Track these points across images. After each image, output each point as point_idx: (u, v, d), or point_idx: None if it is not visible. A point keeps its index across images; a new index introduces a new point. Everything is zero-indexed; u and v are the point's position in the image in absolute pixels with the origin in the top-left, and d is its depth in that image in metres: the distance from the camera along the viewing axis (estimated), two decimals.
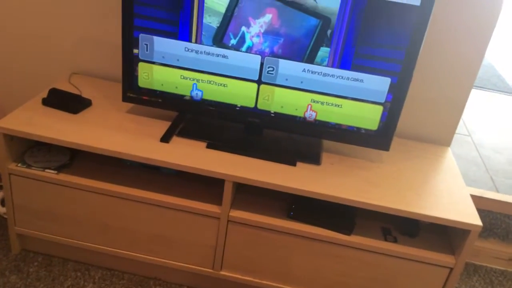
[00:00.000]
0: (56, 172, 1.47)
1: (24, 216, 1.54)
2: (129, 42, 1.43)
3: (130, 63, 1.46)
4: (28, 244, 1.65)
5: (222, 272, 1.51)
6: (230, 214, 1.41)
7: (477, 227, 1.29)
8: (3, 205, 1.77)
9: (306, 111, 1.42)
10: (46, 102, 1.55)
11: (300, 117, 1.44)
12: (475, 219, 1.31)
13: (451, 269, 1.38)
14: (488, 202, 1.79)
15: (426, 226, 1.47)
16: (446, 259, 1.37)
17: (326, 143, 1.58)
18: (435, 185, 1.45)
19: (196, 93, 1.46)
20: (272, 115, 1.46)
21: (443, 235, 1.46)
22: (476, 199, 1.79)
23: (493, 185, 2.08)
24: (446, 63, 1.58)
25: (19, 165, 1.47)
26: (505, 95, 3.39)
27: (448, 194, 1.41)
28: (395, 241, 1.40)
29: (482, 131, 2.61)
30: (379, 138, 1.44)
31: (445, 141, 1.70)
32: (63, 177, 1.46)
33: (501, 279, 1.84)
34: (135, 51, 1.44)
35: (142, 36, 1.41)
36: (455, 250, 1.38)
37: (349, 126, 1.44)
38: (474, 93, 2.96)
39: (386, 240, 1.40)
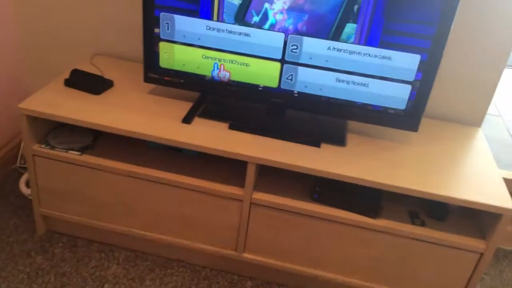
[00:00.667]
0: (79, 153, 1.47)
1: (49, 197, 1.56)
2: (149, 21, 1.41)
3: (151, 43, 1.44)
4: (53, 225, 1.67)
5: (245, 255, 1.50)
6: (253, 196, 1.38)
7: (510, 211, 1.24)
8: (28, 186, 1.79)
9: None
10: (68, 83, 1.54)
11: (321, 96, 1.40)
12: (507, 203, 1.25)
13: (481, 254, 1.33)
14: None
15: (455, 209, 1.42)
16: (476, 244, 1.32)
17: (352, 124, 1.53)
18: (465, 167, 1.39)
19: (218, 73, 1.43)
20: (296, 95, 1.42)
21: (473, 219, 1.41)
22: (509, 183, 1.72)
23: None
24: (478, 39, 1.51)
25: (42, 146, 1.48)
26: None
27: (479, 176, 1.36)
28: (422, 224, 1.36)
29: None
30: (407, 119, 1.38)
31: (476, 122, 1.63)
32: (87, 158, 1.46)
33: None
34: (156, 30, 1.41)
35: (163, 14, 1.38)
36: (486, 234, 1.33)
37: (376, 106, 1.39)
38: (505, 72, 2.84)
39: (413, 223, 1.36)
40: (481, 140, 1.55)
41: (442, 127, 1.60)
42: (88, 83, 1.53)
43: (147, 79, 1.50)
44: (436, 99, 1.62)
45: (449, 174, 1.35)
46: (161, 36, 1.42)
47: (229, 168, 1.48)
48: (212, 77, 1.45)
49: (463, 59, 1.55)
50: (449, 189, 1.28)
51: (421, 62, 1.29)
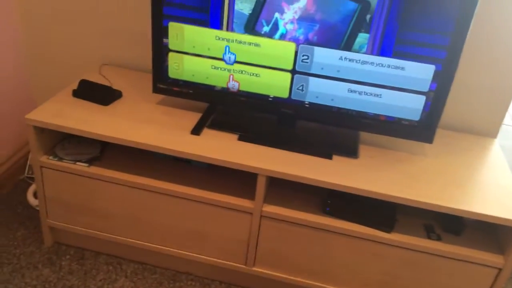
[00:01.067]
0: (87, 165, 1.45)
1: (56, 208, 1.54)
2: (158, 31, 1.39)
3: (160, 53, 1.42)
4: (60, 237, 1.65)
5: (255, 268, 1.47)
6: (263, 209, 1.35)
7: None
8: (35, 197, 1.77)
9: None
10: (76, 93, 1.53)
11: (333, 107, 1.37)
12: None
13: (500, 269, 1.28)
14: None
15: (472, 223, 1.38)
16: (495, 259, 1.28)
17: (364, 135, 1.50)
18: (481, 180, 1.35)
19: (228, 84, 1.41)
20: (307, 105, 1.39)
21: (490, 232, 1.37)
22: None
23: None
24: (493, 49, 1.47)
25: (50, 157, 1.46)
26: None
27: (496, 189, 1.32)
28: (438, 239, 1.32)
29: None
30: (422, 130, 1.35)
31: (491, 133, 1.59)
32: (94, 170, 1.44)
33: None
34: (165, 40, 1.40)
35: (171, 24, 1.37)
36: (505, 249, 1.29)
37: (389, 117, 1.35)
38: None
39: (429, 238, 1.32)
40: (497, 151, 1.51)
41: (456, 138, 1.56)
42: (96, 93, 1.52)
43: (156, 90, 1.49)
44: (450, 109, 1.59)
45: (466, 187, 1.31)
46: (170, 47, 1.40)
47: (239, 180, 1.45)
48: (223, 88, 1.43)
49: (478, 68, 1.51)
50: (466, 202, 1.24)
51: (435, 72, 1.26)
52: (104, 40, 1.76)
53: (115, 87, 1.60)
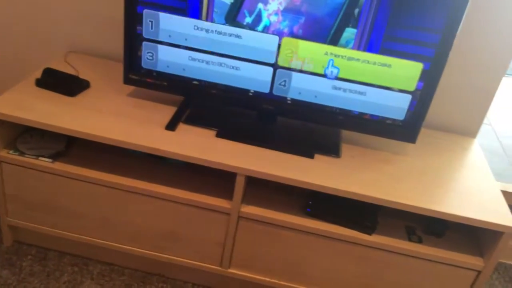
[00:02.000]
0: (51, 160, 1.34)
1: (17, 206, 1.43)
2: (132, 18, 1.29)
3: (132, 41, 1.32)
4: (21, 236, 1.54)
5: (231, 270, 1.41)
6: (241, 209, 1.29)
7: (511, 229, 1.19)
8: None
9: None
10: (40, 83, 1.41)
11: (315, 104, 1.31)
12: (508, 220, 1.20)
13: (479, 272, 1.27)
14: (511, 197, 1.68)
15: (453, 225, 1.36)
16: (474, 261, 1.27)
17: (346, 133, 1.45)
18: (463, 182, 1.33)
19: (206, 76, 1.33)
20: (289, 102, 1.33)
21: (471, 235, 1.36)
22: (506, 195, 1.68)
23: None
24: (476, 49, 1.45)
25: (10, 152, 1.35)
26: None
27: (478, 191, 1.30)
28: (419, 241, 1.30)
29: (503, 121, 2.50)
30: (406, 129, 1.31)
31: (471, 132, 1.58)
32: (59, 166, 1.33)
33: None
34: (139, 28, 1.30)
35: (146, 12, 1.27)
36: (484, 252, 1.28)
37: (373, 116, 1.31)
38: None
39: (410, 240, 1.29)
40: (477, 152, 1.50)
41: (437, 137, 1.54)
42: (61, 83, 1.41)
43: (127, 81, 1.39)
44: (431, 109, 1.56)
45: (448, 189, 1.29)
46: (144, 35, 1.31)
47: (216, 179, 1.38)
48: (199, 81, 1.34)
49: (460, 68, 1.49)
50: (448, 205, 1.22)
51: (423, 71, 1.22)
52: (71, 25, 1.64)
53: (82, 76, 1.49)
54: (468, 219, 1.20)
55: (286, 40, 1.23)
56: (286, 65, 1.27)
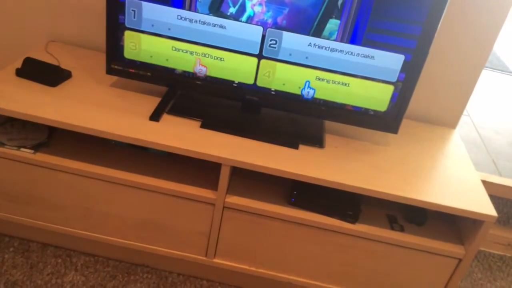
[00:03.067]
0: (32, 151, 1.32)
1: None
2: (114, 7, 1.27)
3: (115, 31, 1.31)
4: (3, 228, 1.52)
5: (216, 260, 1.41)
6: (226, 200, 1.30)
7: (491, 218, 1.21)
8: None
9: (304, 88, 1.30)
10: (20, 73, 1.39)
11: (301, 96, 1.32)
12: (489, 209, 1.23)
13: (460, 260, 1.30)
14: (491, 187, 1.73)
15: (434, 213, 1.39)
16: (455, 249, 1.30)
17: (329, 124, 1.47)
18: (444, 171, 1.36)
19: (194, 68, 1.33)
20: (273, 93, 1.33)
21: (451, 223, 1.38)
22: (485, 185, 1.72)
23: (495, 168, 2.02)
24: (456, 40, 1.47)
25: None
26: (501, 74, 3.32)
27: (459, 180, 1.33)
28: (401, 230, 1.32)
29: (481, 111, 2.55)
30: (388, 120, 1.33)
31: (451, 123, 1.61)
32: (41, 157, 1.32)
33: (499, 264, 1.79)
34: (121, 18, 1.28)
35: (129, 0, 1.26)
36: (465, 240, 1.31)
37: (356, 107, 1.32)
38: None
39: (392, 229, 1.32)
40: (457, 142, 1.53)
41: (418, 128, 1.56)
42: (42, 73, 1.39)
43: (109, 71, 1.37)
44: (413, 100, 1.58)
45: (429, 178, 1.31)
46: (127, 25, 1.29)
47: (200, 169, 1.38)
48: (183, 71, 1.34)
49: (440, 60, 1.51)
50: (430, 194, 1.24)
51: (405, 62, 1.24)
52: (52, 14, 1.61)
53: (63, 66, 1.47)
54: (449, 207, 1.22)
55: (270, 31, 1.23)
56: (269, 55, 1.27)
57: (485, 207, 1.23)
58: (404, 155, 1.40)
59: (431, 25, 1.19)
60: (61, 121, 1.24)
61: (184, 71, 1.34)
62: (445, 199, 1.24)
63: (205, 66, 1.31)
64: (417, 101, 1.59)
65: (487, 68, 3.32)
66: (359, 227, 1.30)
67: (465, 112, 2.25)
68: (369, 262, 1.35)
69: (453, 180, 1.33)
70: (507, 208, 1.79)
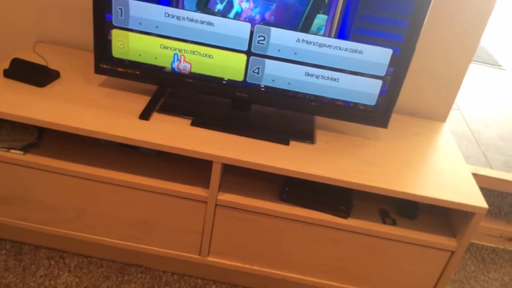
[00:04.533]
0: (22, 152, 1.32)
1: None
2: (100, 6, 1.27)
3: (102, 30, 1.30)
4: None
5: (210, 258, 1.41)
6: (218, 197, 1.29)
7: (482, 210, 1.22)
8: None
9: (292, 83, 1.30)
10: (8, 73, 1.38)
11: (290, 91, 1.32)
12: (479, 201, 1.23)
13: (452, 252, 1.31)
14: (482, 179, 1.74)
15: (425, 206, 1.40)
16: (447, 242, 1.30)
17: (320, 119, 1.47)
18: (435, 164, 1.36)
19: (178, 65, 1.32)
20: (262, 89, 1.33)
21: (443, 216, 1.39)
22: (476, 178, 1.73)
23: (486, 160, 2.03)
24: (444, 34, 1.48)
25: None
26: (490, 67, 3.34)
27: (449, 173, 1.33)
28: (393, 223, 1.32)
29: (471, 105, 2.56)
30: (378, 115, 1.33)
31: (441, 117, 1.62)
32: (31, 158, 1.31)
33: (492, 257, 1.80)
34: (108, 16, 1.28)
35: None
36: (457, 232, 1.31)
37: (346, 102, 1.33)
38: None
39: (384, 223, 1.32)
40: (447, 136, 1.53)
41: (408, 122, 1.57)
42: (30, 74, 1.38)
43: (98, 70, 1.37)
44: (401, 94, 1.59)
45: (420, 171, 1.31)
46: (114, 23, 1.29)
47: (192, 167, 1.38)
48: (172, 69, 1.33)
49: (429, 54, 1.52)
50: (421, 187, 1.25)
51: (393, 56, 1.24)
52: (39, 14, 1.60)
53: (51, 66, 1.46)
54: (440, 200, 1.23)
55: (258, 27, 1.23)
56: (257, 51, 1.27)
57: (476, 199, 1.24)
58: (394, 149, 1.40)
59: (418, 19, 1.19)
60: (50, 121, 1.23)
61: (173, 69, 1.33)
62: (436, 192, 1.24)
63: (189, 63, 1.31)
64: (406, 95, 1.59)
65: (476, 62, 3.33)
66: (352, 222, 1.30)
67: (455, 106, 2.27)
68: (362, 256, 1.36)
69: (443, 173, 1.33)
70: (498, 201, 1.81)
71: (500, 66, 3.45)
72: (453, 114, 2.19)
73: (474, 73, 3.17)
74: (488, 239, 1.84)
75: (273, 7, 1.20)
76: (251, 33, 1.25)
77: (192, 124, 1.32)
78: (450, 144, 1.49)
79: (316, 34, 1.23)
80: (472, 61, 1.53)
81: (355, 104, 1.33)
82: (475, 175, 1.75)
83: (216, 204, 1.31)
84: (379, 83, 1.29)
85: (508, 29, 4.16)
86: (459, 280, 1.68)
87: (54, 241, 1.50)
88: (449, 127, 1.59)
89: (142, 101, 1.38)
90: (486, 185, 1.76)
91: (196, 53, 1.30)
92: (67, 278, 1.44)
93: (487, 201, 1.79)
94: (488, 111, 2.56)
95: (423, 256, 1.33)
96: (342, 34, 1.22)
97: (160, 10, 1.25)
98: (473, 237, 1.85)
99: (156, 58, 1.32)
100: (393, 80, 1.28)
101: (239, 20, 1.23)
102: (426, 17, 1.19)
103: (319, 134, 1.39)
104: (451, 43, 1.49)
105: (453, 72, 1.54)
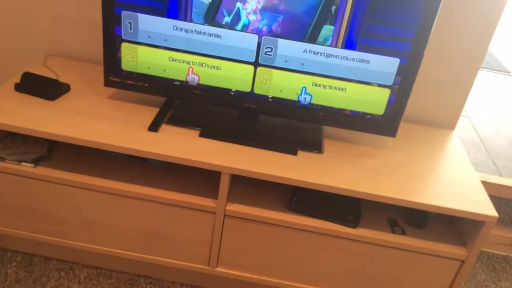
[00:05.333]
0: (33, 165, 1.33)
1: (0, 213, 1.41)
2: (110, 20, 1.29)
3: (112, 43, 1.32)
4: (5, 243, 1.52)
5: (218, 269, 1.41)
6: (227, 208, 1.30)
7: (492, 218, 1.21)
8: None
9: (301, 94, 1.31)
10: (19, 87, 1.40)
11: (298, 102, 1.33)
12: (489, 210, 1.23)
13: (463, 261, 1.30)
14: (492, 187, 1.73)
15: (435, 215, 1.39)
16: (457, 251, 1.29)
17: (327, 129, 1.47)
18: (444, 173, 1.36)
19: (186, 76, 1.33)
20: (270, 100, 1.34)
21: (453, 225, 1.38)
22: (485, 186, 1.72)
23: (496, 168, 2.02)
24: (452, 42, 1.48)
25: None
26: (499, 74, 3.33)
27: (459, 182, 1.33)
28: (403, 233, 1.32)
29: (479, 112, 2.55)
30: (386, 124, 1.33)
31: (450, 125, 1.61)
32: (42, 170, 1.32)
33: (503, 265, 1.79)
34: (118, 30, 1.30)
35: (124, 13, 1.27)
36: (467, 241, 1.31)
37: (354, 111, 1.33)
38: None
39: (393, 232, 1.31)
40: (456, 144, 1.53)
41: (416, 130, 1.57)
42: (41, 87, 1.40)
43: (108, 83, 1.38)
44: (410, 103, 1.59)
45: (429, 180, 1.31)
46: (123, 37, 1.31)
47: (200, 178, 1.38)
48: (181, 81, 1.35)
49: (437, 62, 1.52)
50: (430, 197, 1.24)
51: (400, 65, 1.24)
52: (50, 29, 1.62)
53: (62, 80, 1.48)
54: (450, 209, 1.22)
55: (265, 39, 1.24)
56: (265, 62, 1.28)
57: (486, 208, 1.23)
58: (403, 158, 1.40)
59: (425, 28, 1.19)
60: (60, 134, 1.24)
61: (182, 81, 1.34)
62: (445, 201, 1.24)
63: (197, 75, 1.32)
64: (414, 104, 1.59)
65: (485, 69, 3.32)
66: (361, 232, 1.30)
67: (464, 114, 2.26)
68: (371, 266, 1.35)
69: (452, 181, 1.33)
70: (509, 209, 1.79)
71: (509, 72, 3.44)
72: (462, 121, 2.19)
73: (483, 80, 3.16)
74: (499, 248, 1.82)
75: (280, 18, 1.22)
76: (259, 44, 1.26)
77: (201, 135, 1.33)
78: (459, 152, 1.48)
79: (323, 44, 1.23)
80: (481, 68, 1.52)
81: (363, 113, 1.33)
82: (484, 183, 1.74)
83: (224, 215, 1.31)
84: (387, 92, 1.29)
85: None
86: None
87: (64, 252, 1.51)
88: (458, 135, 1.59)
89: (151, 113, 1.39)
90: (496, 193, 1.74)
91: (204, 65, 1.31)
92: None
93: (497, 209, 1.77)
94: (497, 118, 2.54)
95: (433, 265, 1.32)
96: (349, 44, 1.23)
97: (168, 23, 1.26)
98: (484, 245, 1.83)
99: (164, 70, 1.34)
100: (401, 89, 1.28)
101: (246, 32, 1.24)
102: (433, 26, 1.19)
103: (327, 144, 1.40)
104: (459, 50, 1.49)
105: (461, 80, 1.54)
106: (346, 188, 1.23)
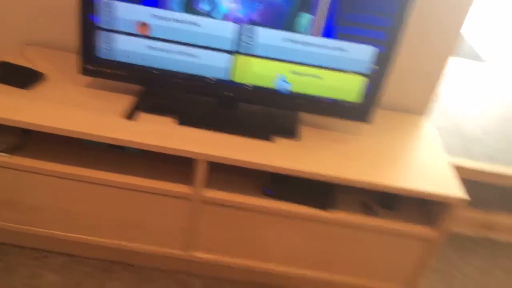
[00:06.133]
0: (8, 155, 1.31)
1: None
2: (86, 7, 1.27)
3: (88, 31, 1.30)
4: None
5: (195, 254, 1.43)
6: (204, 194, 1.31)
7: (460, 200, 1.27)
8: None
9: (280, 82, 1.33)
10: None
11: (277, 90, 1.35)
12: (457, 192, 1.29)
13: (432, 241, 1.36)
14: (465, 171, 1.79)
15: (409, 199, 1.45)
16: (427, 231, 1.35)
17: (304, 116, 1.50)
18: (416, 157, 1.41)
19: (165, 65, 1.33)
20: (249, 88, 1.35)
21: (424, 207, 1.44)
22: (458, 170, 1.79)
23: (469, 154, 2.10)
24: (424, 31, 1.53)
25: None
26: (474, 62, 3.42)
27: (430, 166, 1.38)
28: (375, 215, 1.37)
29: (452, 98, 2.63)
30: (361, 111, 1.37)
31: (422, 110, 1.66)
32: (16, 160, 1.31)
33: (473, 245, 1.87)
34: (95, 18, 1.28)
35: (102, 0, 1.25)
36: (435, 222, 1.37)
37: (331, 99, 1.36)
38: None
39: (366, 214, 1.36)
40: (429, 129, 1.58)
41: (390, 117, 1.61)
42: (14, 76, 1.37)
43: (84, 71, 1.37)
44: (384, 90, 1.63)
45: (401, 164, 1.36)
46: (100, 24, 1.29)
47: (176, 165, 1.39)
48: (159, 70, 1.34)
49: (409, 49, 1.56)
50: (401, 180, 1.29)
51: (376, 54, 1.28)
52: (27, 18, 1.58)
53: (38, 69, 1.44)
54: (419, 192, 1.28)
55: (244, 27, 1.25)
56: (244, 51, 1.29)
57: (454, 190, 1.29)
58: (376, 143, 1.44)
59: (401, 16, 1.23)
60: (35, 123, 1.23)
61: (160, 70, 1.34)
62: (416, 184, 1.29)
63: (176, 63, 1.32)
64: (389, 90, 1.63)
65: (459, 57, 3.40)
66: (335, 215, 1.34)
67: (438, 100, 2.33)
68: (344, 248, 1.40)
69: (424, 165, 1.38)
70: (480, 191, 1.86)
71: (481, 59, 3.52)
72: (435, 108, 2.26)
73: (457, 68, 3.24)
74: (470, 229, 1.90)
75: (259, 7, 1.23)
76: (238, 32, 1.27)
77: (178, 123, 1.34)
78: (432, 137, 1.53)
79: (301, 33, 1.26)
80: (454, 55, 1.57)
81: (340, 100, 1.36)
82: (457, 167, 1.81)
83: (201, 201, 1.33)
84: (363, 80, 1.32)
85: (489, 20, 4.22)
86: (441, 269, 1.74)
87: (38, 241, 1.50)
88: (432, 121, 1.64)
89: (128, 101, 1.39)
90: (468, 177, 1.81)
91: (182, 53, 1.31)
92: (51, 277, 1.44)
93: (468, 192, 1.85)
94: (469, 104, 2.62)
95: (403, 245, 1.38)
96: (327, 32, 1.25)
97: (146, 11, 1.25)
98: (455, 226, 1.91)
99: (143, 59, 1.33)
100: (377, 77, 1.32)
101: (225, 20, 1.25)
102: (409, 15, 1.23)
103: (303, 130, 1.43)
104: (431, 37, 1.53)
105: (433, 66, 1.58)
106: (320, 173, 1.26)
